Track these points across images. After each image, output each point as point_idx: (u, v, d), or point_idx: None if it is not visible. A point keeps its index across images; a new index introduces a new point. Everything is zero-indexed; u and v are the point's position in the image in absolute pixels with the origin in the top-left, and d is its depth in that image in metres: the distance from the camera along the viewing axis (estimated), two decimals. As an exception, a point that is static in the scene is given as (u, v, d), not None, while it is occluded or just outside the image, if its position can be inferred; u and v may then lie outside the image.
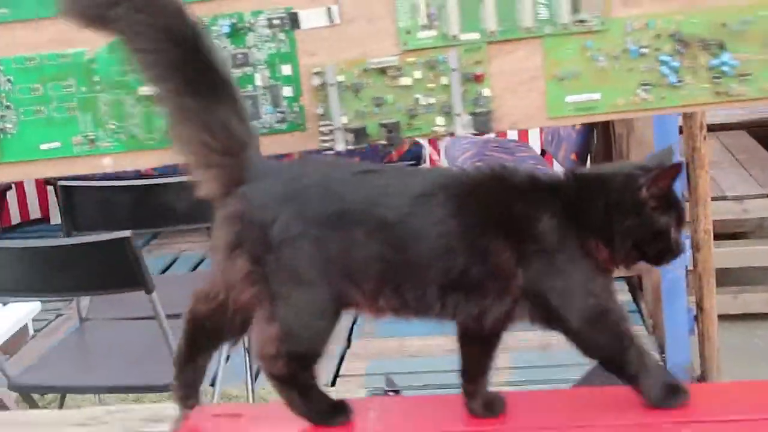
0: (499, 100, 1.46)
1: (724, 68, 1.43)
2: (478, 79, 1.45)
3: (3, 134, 1.48)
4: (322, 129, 1.46)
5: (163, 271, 5.12)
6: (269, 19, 1.45)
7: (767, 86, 1.45)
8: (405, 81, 1.46)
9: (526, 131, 5.68)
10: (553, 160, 4.89)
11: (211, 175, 1.20)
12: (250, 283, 1.18)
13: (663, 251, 1.24)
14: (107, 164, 1.51)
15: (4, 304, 3.02)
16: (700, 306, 3.70)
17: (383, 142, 1.46)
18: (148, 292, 2.53)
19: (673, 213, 1.22)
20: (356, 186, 1.21)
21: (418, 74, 1.45)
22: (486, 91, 1.45)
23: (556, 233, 1.19)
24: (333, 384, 3.72)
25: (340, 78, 1.46)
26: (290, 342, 1.18)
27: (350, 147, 1.46)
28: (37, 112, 1.48)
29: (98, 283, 2.53)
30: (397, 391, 3.38)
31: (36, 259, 2.53)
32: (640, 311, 4.25)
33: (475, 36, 1.44)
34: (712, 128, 5.08)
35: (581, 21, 1.43)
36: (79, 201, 2.96)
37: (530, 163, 4.52)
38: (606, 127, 4.60)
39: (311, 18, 1.44)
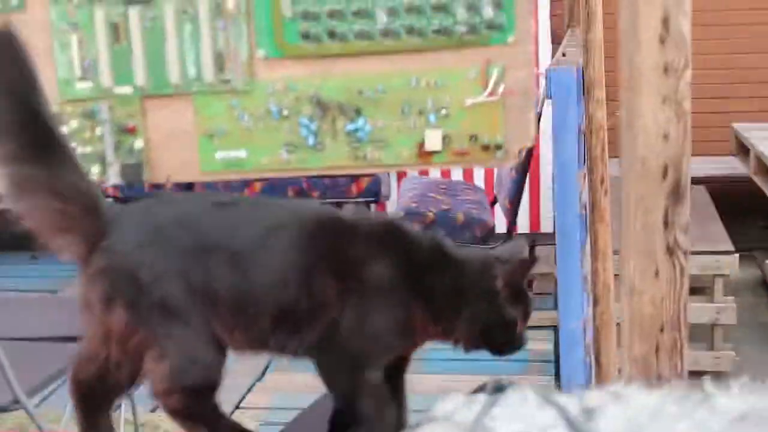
0: (154, 152, 1.52)
1: (360, 134, 1.48)
2: (131, 131, 1.52)
3: None
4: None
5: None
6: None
7: (403, 153, 1.48)
8: (64, 130, 1.52)
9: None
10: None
11: (72, 239, 1.23)
12: (132, 331, 1.21)
13: (507, 342, 1.28)
14: None
15: None
16: (597, 360, 3.69)
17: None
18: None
19: (521, 307, 1.27)
20: (212, 218, 1.27)
21: (75, 124, 1.52)
22: (138, 143, 1.52)
23: (380, 282, 1.24)
24: (230, 415, 3.77)
25: None
26: (181, 376, 1.22)
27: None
28: None
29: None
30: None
31: None
32: (557, 361, 4.23)
33: (128, 89, 1.51)
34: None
35: (226, 81, 1.48)
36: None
37: (465, 207, 4.55)
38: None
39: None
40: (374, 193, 5.39)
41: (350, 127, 1.47)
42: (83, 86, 1.51)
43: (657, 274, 1.47)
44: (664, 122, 1.41)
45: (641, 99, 1.42)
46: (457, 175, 5.66)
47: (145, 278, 1.19)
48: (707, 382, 1.09)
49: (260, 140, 1.50)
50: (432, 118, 1.46)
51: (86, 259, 1.21)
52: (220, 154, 1.51)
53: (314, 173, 1.50)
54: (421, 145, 1.47)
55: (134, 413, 3.04)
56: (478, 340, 1.27)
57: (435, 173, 5.65)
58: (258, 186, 5.39)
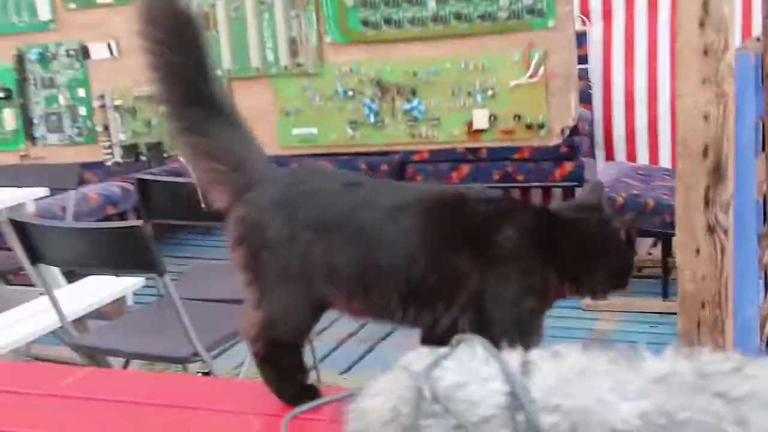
0: (240, 129, 1.70)
1: (415, 113, 1.60)
2: (219, 109, 1.70)
3: None
4: (103, 143, 1.77)
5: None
6: (67, 50, 1.78)
7: (455, 132, 1.59)
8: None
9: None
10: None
11: (222, 191, 1.38)
12: (247, 271, 1.35)
13: (628, 278, 1.36)
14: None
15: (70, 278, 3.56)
16: (772, 345, 3.60)
17: (144, 158, 1.75)
18: (160, 275, 2.93)
19: (633, 246, 1.36)
20: (342, 196, 1.35)
21: (173, 102, 1.72)
22: (226, 120, 1.70)
23: (512, 245, 1.30)
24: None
25: (119, 102, 1.76)
26: (271, 328, 1.34)
27: (122, 160, 1.76)
28: None
29: (119, 264, 2.96)
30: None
31: (77, 239, 3.01)
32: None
33: (217, 72, 1.69)
34: None
35: (299, 64, 1.64)
36: (153, 193, 3.43)
37: (656, 192, 4.51)
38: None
39: (97, 51, 1.76)
40: (578, 177, 5.41)
41: (407, 106, 1.59)
42: (180, 69, 1.70)
43: (698, 252, 1.50)
44: (705, 103, 1.45)
45: (682, 80, 1.46)
46: (665, 161, 5.60)
47: (269, 235, 1.31)
48: (643, 347, 1.14)
49: (329, 118, 1.64)
50: (479, 98, 1.55)
51: (231, 209, 1.37)
52: (295, 131, 1.67)
53: (376, 149, 1.63)
54: (471, 123, 1.57)
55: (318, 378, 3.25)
56: (608, 287, 1.35)
57: (642, 159, 5.62)
58: (465, 169, 5.56)
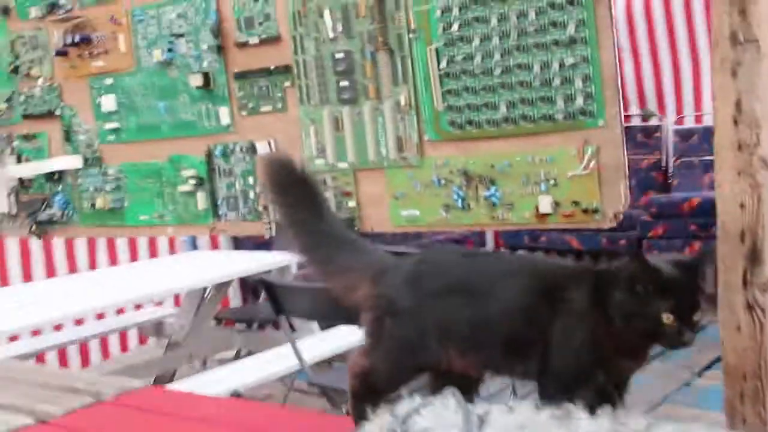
0: (363, 210, 2.07)
1: (493, 199, 1.89)
2: (346, 194, 2.07)
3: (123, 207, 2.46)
4: (264, 221, 2.20)
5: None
6: (241, 148, 2.23)
7: (526, 215, 1.86)
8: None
9: None
10: None
11: (359, 292, 1.63)
12: (369, 326, 1.60)
13: (657, 335, 1.43)
14: (170, 232, 2.40)
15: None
16: None
17: (293, 233, 2.15)
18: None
19: (667, 299, 1.41)
20: (459, 266, 1.58)
21: (314, 189, 2.11)
22: (352, 203, 2.07)
23: (579, 304, 1.48)
24: None
25: (276, 188, 2.18)
26: (371, 375, 1.59)
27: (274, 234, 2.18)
28: (139, 196, 2.42)
29: (337, 317, 3.40)
30: None
31: (303, 295, 3.49)
32: None
33: (344, 165, 2.07)
34: None
35: (404, 158, 1.99)
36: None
37: None
38: None
39: (262, 148, 2.19)
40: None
41: (487, 193, 1.88)
42: (318, 162, 2.10)
43: (738, 329, 1.67)
44: (740, 192, 1.63)
45: (719, 171, 1.66)
46: None
47: (396, 305, 1.58)
48: (580, 408, 1.36)
49: (427, 202, 1.96)
50: (543, 187, 1.81)
51: (367, 298, 1.61)
52: (403, 212, 2.00)
53: (464, 229, 1.92)
54: (538, 208, 1.83)
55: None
56: (635, 338, 1.44)
57: None
58: (696, 245, 5.61)
